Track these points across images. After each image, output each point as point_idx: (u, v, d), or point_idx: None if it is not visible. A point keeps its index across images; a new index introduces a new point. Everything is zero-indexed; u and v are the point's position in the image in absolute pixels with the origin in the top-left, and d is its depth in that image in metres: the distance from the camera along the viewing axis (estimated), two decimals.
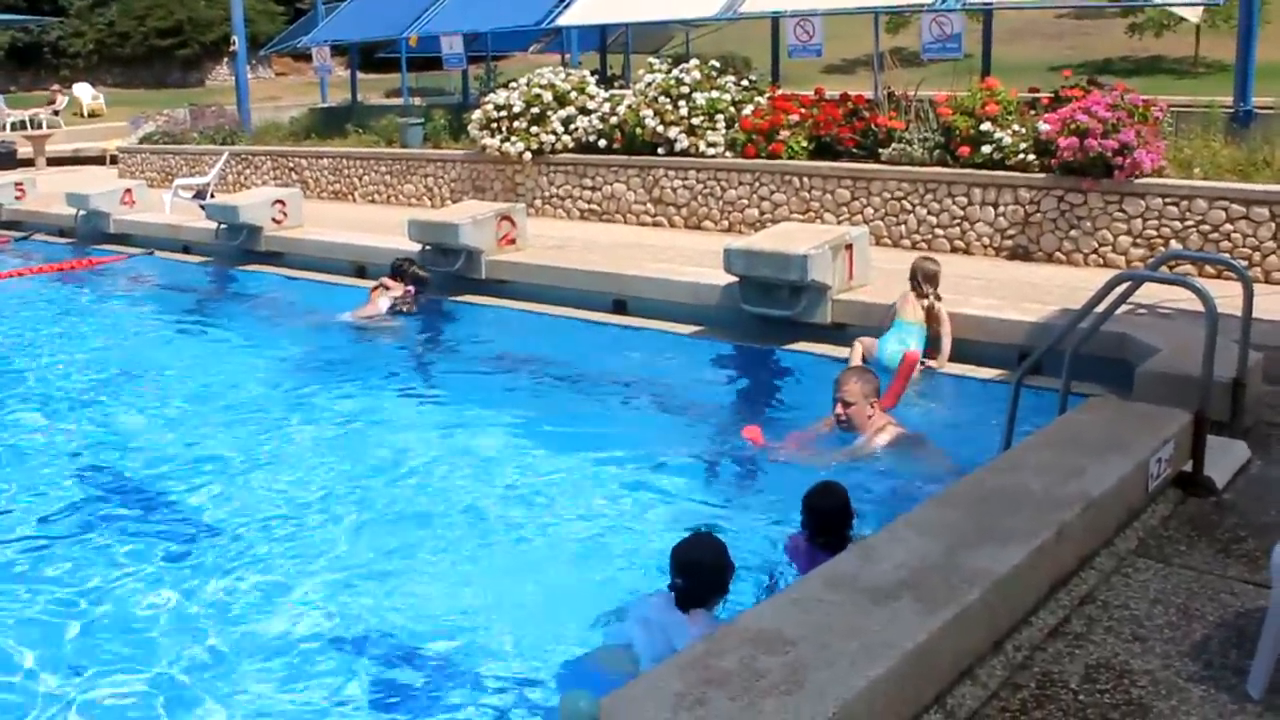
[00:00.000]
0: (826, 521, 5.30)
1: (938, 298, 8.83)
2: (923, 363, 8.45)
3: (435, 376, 9.98)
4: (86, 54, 47.78)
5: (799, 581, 3.84)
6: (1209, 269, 9.96)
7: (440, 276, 11.81)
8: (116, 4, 48.30)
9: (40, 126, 31.64)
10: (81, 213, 17.03)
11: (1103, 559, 4.59)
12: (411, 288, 11.44)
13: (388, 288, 11.42)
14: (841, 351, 9.12)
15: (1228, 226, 10.56)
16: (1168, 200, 10.87)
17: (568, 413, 8.67)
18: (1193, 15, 17.07)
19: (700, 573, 4.81)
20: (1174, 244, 10.78)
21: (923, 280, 8.84)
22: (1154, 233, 10.93)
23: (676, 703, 3.07)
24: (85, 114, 37.93)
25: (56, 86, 38.25)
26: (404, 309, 11.31)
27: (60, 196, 17.83)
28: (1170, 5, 14.56)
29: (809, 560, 5.15)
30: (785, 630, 3.41)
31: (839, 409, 7.17)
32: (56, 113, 34.09)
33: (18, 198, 19.19)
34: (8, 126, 32.06)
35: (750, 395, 9.36)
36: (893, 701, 3.29)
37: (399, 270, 11.55)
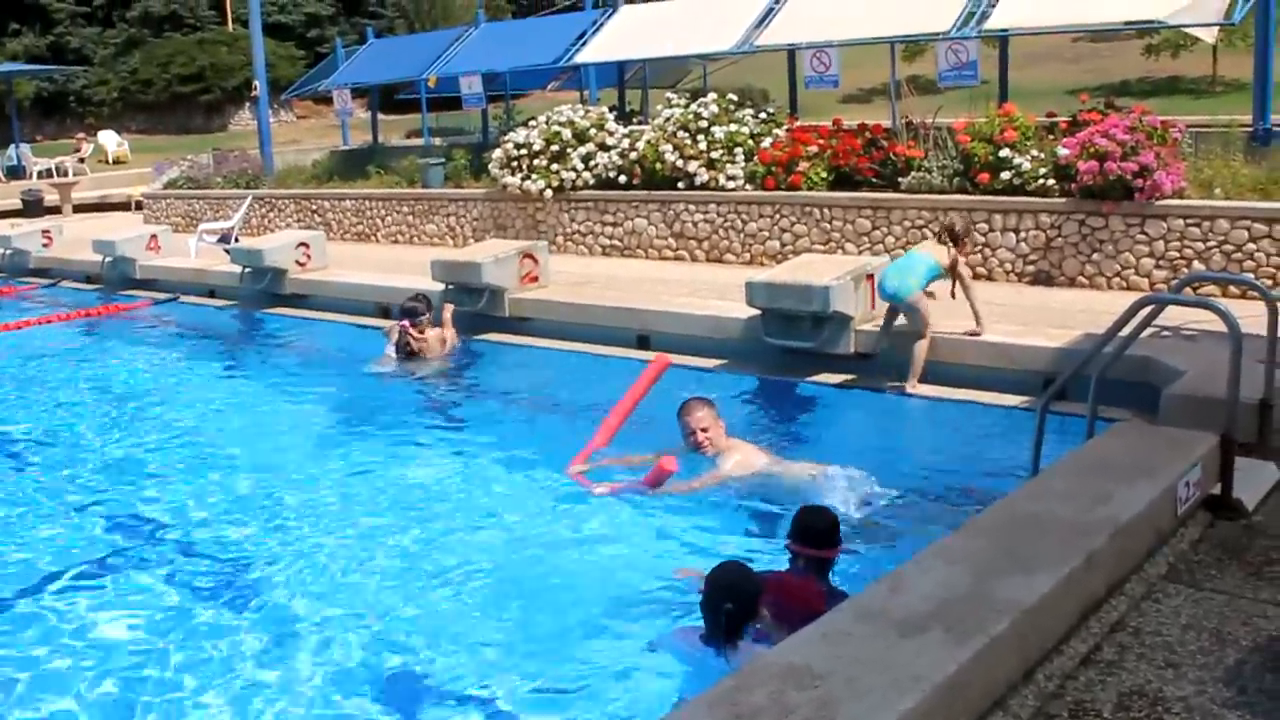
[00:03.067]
0: (821, 539, 5.35)
1: (964, 254, 9.30)
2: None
3: (459, 416, 9.99)
4: (111, 102, 48.36)
5: (827, 615, 3.83)
6: (1233, 289, 9.92)
7: (464, 316, 11.84)
8: (139, 52, 48.91)
9: (66, 174, 32.00)
10: (108, 259, 17.17)
11: (1133, 585, 4.56)
12: (404, 321, 11.16)
13: (390, 336, 11.33)
14: (864, 381, 9.14)
15: (1250, 246, 10.54)
16: (1189, 221, 10.85)
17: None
18: (1209, 35, 17.04)
19: (741, 599, 4.90)
20: (1197, 265, 10.75)
21: (943, 232, 9.27)
22: (1176, 254, 10.90)
23: None
24: (110, 161, 38.32)
25: (81, 134, 38.71)
26: (411, 346, 11.15)
27: (87, 243, 17.99)
28: (1185, 26, 14.54)
29: (799, 590, 5.15)
30: (814, 664, 3.40)
31: (699, 438, 7.52)
32: (82, 160, 34.48)
33: (45, 245, 19.36)
34: (35, 175, 32.42)
35: (774, 427, 9.34)
36: None
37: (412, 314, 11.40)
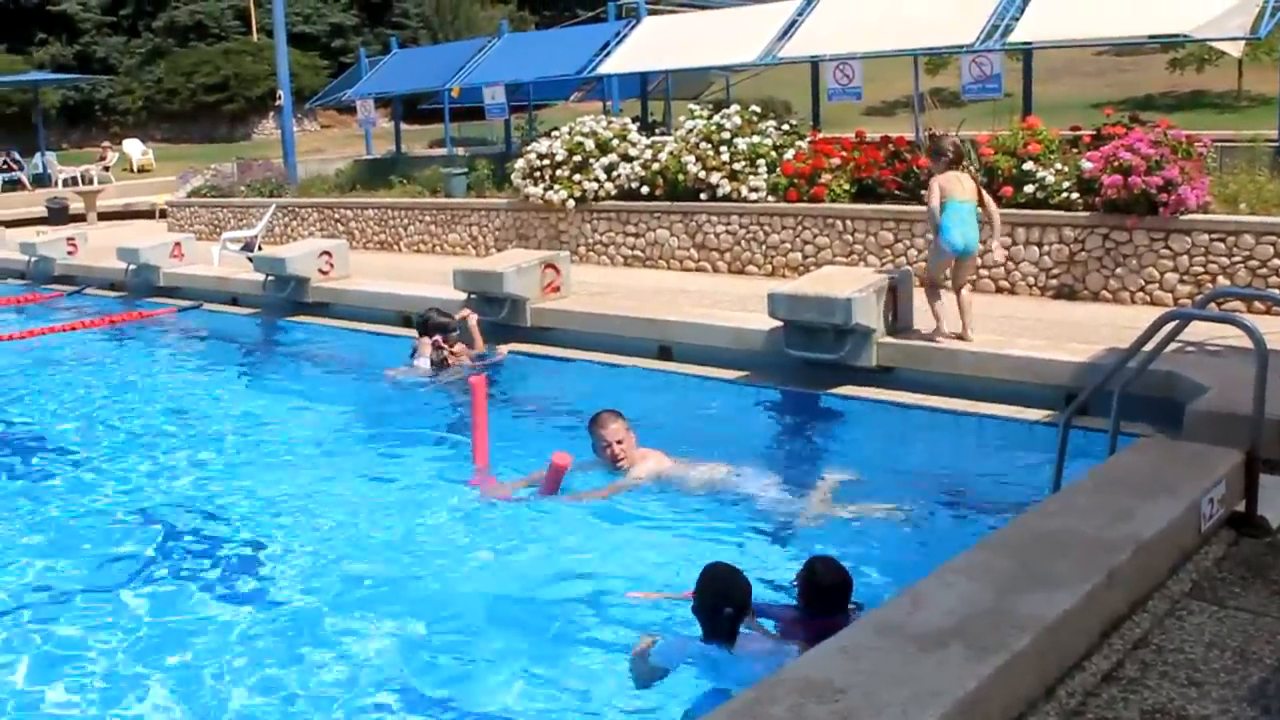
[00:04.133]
0: (829, 597, 5.22)
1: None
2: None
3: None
4: (136, 111, 48.70)
5: (848, 630, 3.82)
6: (1258, 305, 9.87)
7: (485, 325, 11.84)
8: (164, 61, 49.23)
9: (91, 182, 32.22)
10: (132, 266, 17.25)
11: (1156, 602, 4.52)
12: (438, 336, 11.15)
13: (422, 350, 11.32)
14: (886, 394, 9.11)
15: (1276, 261, 10.49)
16: (1214, 236, 10.80)
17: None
18: (1234, 49, 16.96)
19: (737, 601, 5.04)
20: (1221, 280, 10.70)
21: (957, 157, 9.40)
22: (1201, 269, 10.85)
23: None
24: (135, 169, 38.58)
25: (107, 143, 38.96)
26: (447, 360, 11.15)
27: (111, 251, 18.09)
28: (1210, 40, 14.52)
29: (804, 631, 5.13)
30: (835, 679, 3.39)
31: (616, 450, 7.60)
32: (107, 168, 34.71)
33: (70, 253, 19.49)
34: (60, 183, 32.66)
35: (795, 439, 9.34)
36: None
37: (421, 327, 11.40)
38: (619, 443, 7.63)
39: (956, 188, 9.19)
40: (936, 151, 9.40)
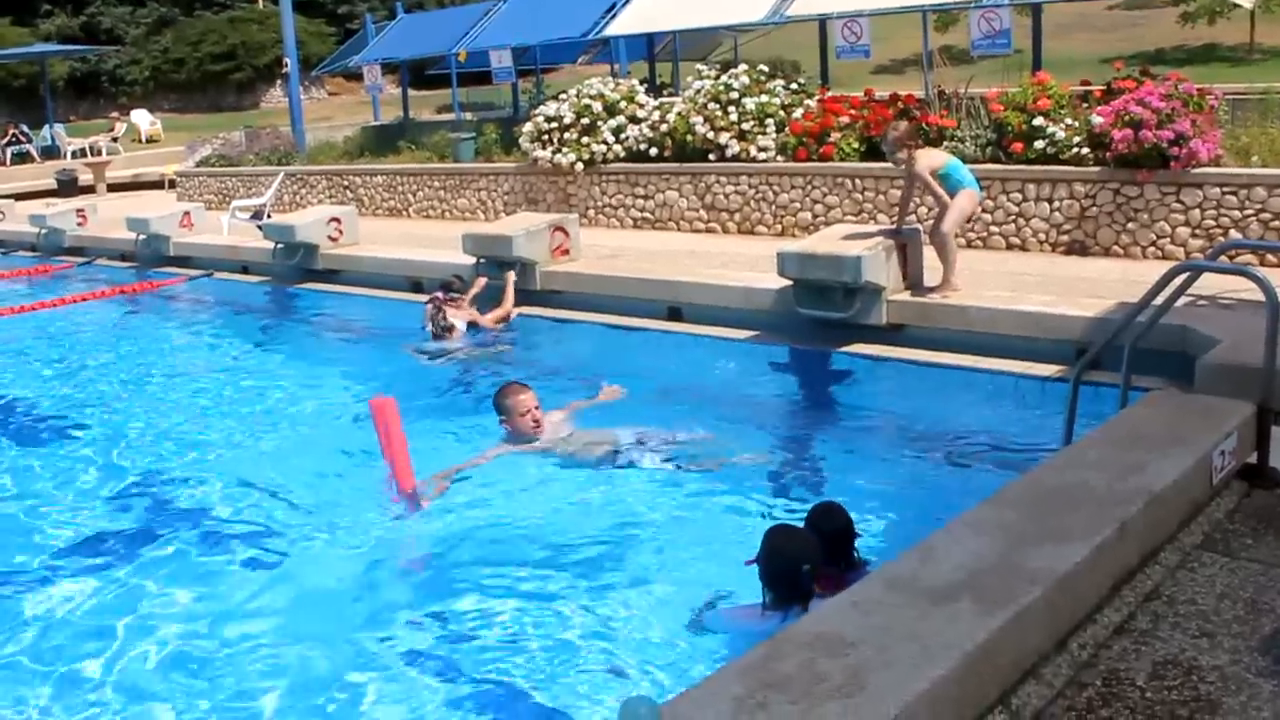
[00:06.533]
0: (833, 543, 5.16)
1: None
2: None
3: (490, 391, 10.00)
4: (143, 81, 48.69)
5: (858, 584, 3.83)
6: (1270, 258, 9.81)
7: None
8: (171, 31, 49.19)
9: (100, 154, 32.25)
10: (142, 237, 17.28)
11: (1167, 554, 4.53)
12: (438, 294, 11.17)
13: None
14: (897, 352, 9.09)
15: None
16: (1226, 189, 10.72)
17: (626, 422, 8.64)
18: (1246, 1, 16.81)
19: (814, 556, 4.91)
20: (1233, 233, 10.63)
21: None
22: (1213, 223, 10.79)
23: (737, 707, 3.07)
24: (143, 140, 38.60)
25: (115, 114, 38.96)
26: (446, 315, 11.08)
27: (121, 221, 18.10)
28: None
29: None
30: (845, 633, 3.40)
31: (537, 415, 7.69)
32: (115, 140, 34.71)
33: (80, 224, 19.50)
34: (69, 155, 32.67)
35: (807, 398, 9.34)
36: (955, 702, 3.27)
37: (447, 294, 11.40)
38: (538, 408, 7.71)
39: (938, 155, 9.56)
40: (903, 140, 9.38)
